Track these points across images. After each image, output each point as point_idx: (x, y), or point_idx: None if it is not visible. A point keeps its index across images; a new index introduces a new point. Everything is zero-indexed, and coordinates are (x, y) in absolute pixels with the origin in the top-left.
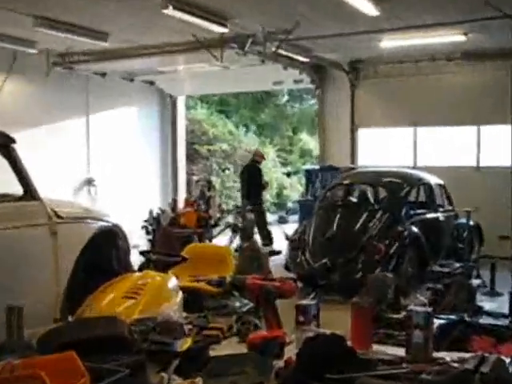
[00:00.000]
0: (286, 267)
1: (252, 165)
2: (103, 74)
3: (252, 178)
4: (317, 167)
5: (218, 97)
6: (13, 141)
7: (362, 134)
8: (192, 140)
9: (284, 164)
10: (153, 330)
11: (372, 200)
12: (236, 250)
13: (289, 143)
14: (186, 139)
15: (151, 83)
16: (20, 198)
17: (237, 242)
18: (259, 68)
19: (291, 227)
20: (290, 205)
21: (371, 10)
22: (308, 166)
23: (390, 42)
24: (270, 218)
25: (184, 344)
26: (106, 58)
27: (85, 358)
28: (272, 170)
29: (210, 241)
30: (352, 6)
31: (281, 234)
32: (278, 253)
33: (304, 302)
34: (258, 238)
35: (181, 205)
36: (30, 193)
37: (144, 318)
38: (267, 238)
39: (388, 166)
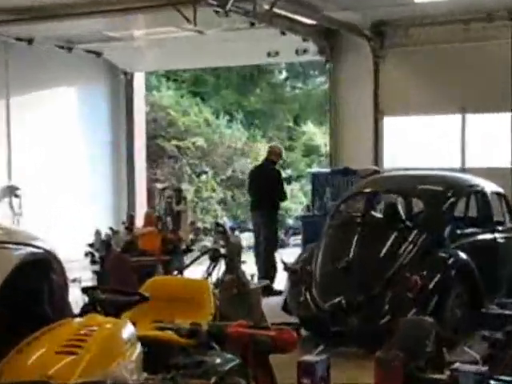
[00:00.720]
0: (285, 308)
1: (266, 166)
2: (29, 41)
3: (266, 184)
4: (327, 170)
5: (191, 74)
6: None
7: (390, 123)
8: (155, 133)
9: (282, 166)
10: None
11: (403, 215)
12: (216, 286)
13: (288, 137)
14: (146, 132)
15: (97, 54)
16: None
17: (218, 273)
18: (247, 33)
19: (291, 253)
20: (289, 222)
21: None
22: (315, 169)
23: None
24: None
25: None
26: (34, 18)
27: None
28: None
29: (181, 273)
30: None
31: (277, 263)
32: (278, 293)
33: (309, 357)
34: (253, 268)
35: (140, 223)
36: None
37: (88, 382)
38: (270, 271)
39: (425, 167)
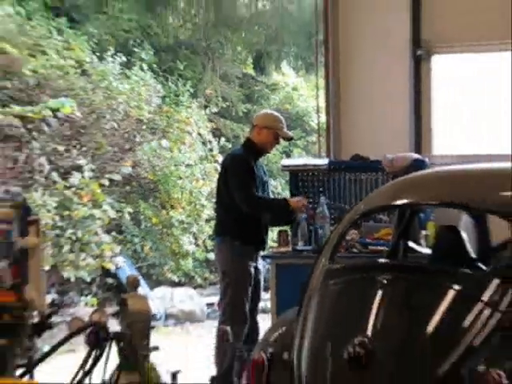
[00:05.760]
0: None
1: (238, 153)
2: None
3: (231, 186)
4: (320, 162)
5: None
6: None
7: (443, 67)
8: None
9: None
10: None
11: (473, 251)
12: None
13: (245, 97)
14: None
15: None
16: None
17: (104, 373)
18: None
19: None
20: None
21: None
22: (295, 160)
23: None
24: (196, 302)
25: None
26: None
27: None
28: (197, 171)
29: (29, 372)
30: None
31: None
32: None
33: None
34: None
35: None
36: None
37: None
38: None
39: None
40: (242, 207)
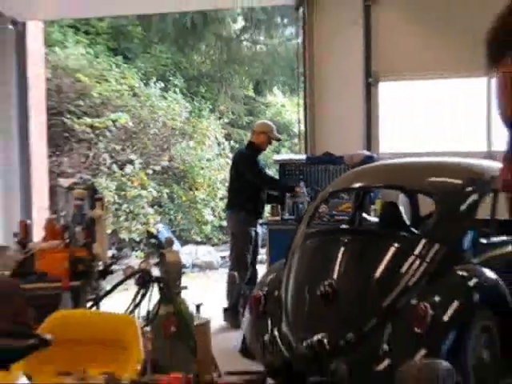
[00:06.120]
0: (245, 351)
1: (244, 152)
2: None
3: (240, 175)
4: (300, 157)
5: (109, 24)
6: None
7: (387, 91)
8: (59, 107)
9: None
10: None
11: (407, 219)
12: (147, 322)
13: (247, 111)
14: (47, 106)
15: None
16: None
17: (149, 305)
18: None
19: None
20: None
21: None
22: (283, 156)
23: None
24: (213, 255)
25: None
26: None
27: None
28: (215, 164)
29: (97, 304)
30: None
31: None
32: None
33: None
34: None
35: (38, 235)
36: None
37: None
38: (252, 277)
39: (437, 152)
40: (256, 182)
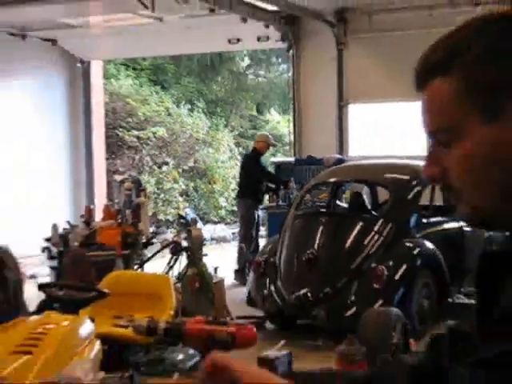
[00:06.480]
0: (250, 301)
1: (249, 155)
2: None
3: (247, 172)
4: (290, 159)
5: (151, 62)
6: None
7: (355, 111)
8: (114, 123)
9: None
10: None
11: (369, 205)
12: (178, 280)
13: (251, 126)
14: (105, 122)
15: (52, 42)
16: None
17: (179, 268)
18: (207, 20)
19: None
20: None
21: None
22: (278, 158)
23: None
24: (226, 232)
25: None
26: None
27: None
28: (228, 165)
29: (141, 267)
30: None
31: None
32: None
33: (269, 353)
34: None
35: (99, 216)
36: None
37: (44, 383)
38: (255, 248)
39: (392, 156)
40: (259, 177)
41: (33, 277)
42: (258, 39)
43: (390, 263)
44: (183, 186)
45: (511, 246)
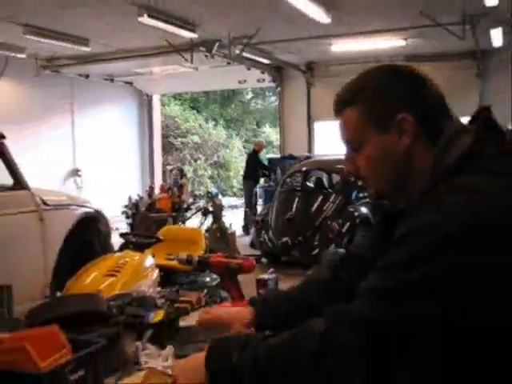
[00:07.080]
0: (252, 245)
1: (251, 153)
2: (86, 76)
3: (249, 164)
4: (278, 156)
5: (190, 95)
6: (3, 136)
7: (318, 126)
8: (167, 133)
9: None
10: (129, 304)
11: (327, 185)
12: (207, 231)
13: (253, 135)
14: (161, 133)
15: (130, 83)
16: (11, 188)
17: (207, 224)
18: (225, 69)
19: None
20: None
21: (323, 18)
22: (270, 155)
23: (339, 46)
24: (238, 201)
25: (157, 316)
26: (88, 61)
27: (67, 331)
28: (239, 159)
29: (183, 223)
30: (307, 14)
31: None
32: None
33: (264, 276)
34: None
35: (157, 191)
36: (19, 183)
37: (122, 294)
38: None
39: (341, 154)
40: (257, 167)
41: (116, 229)
42: (258, 81)
43: (340, 221)
44: (210, 173)
45: (394, 209)
